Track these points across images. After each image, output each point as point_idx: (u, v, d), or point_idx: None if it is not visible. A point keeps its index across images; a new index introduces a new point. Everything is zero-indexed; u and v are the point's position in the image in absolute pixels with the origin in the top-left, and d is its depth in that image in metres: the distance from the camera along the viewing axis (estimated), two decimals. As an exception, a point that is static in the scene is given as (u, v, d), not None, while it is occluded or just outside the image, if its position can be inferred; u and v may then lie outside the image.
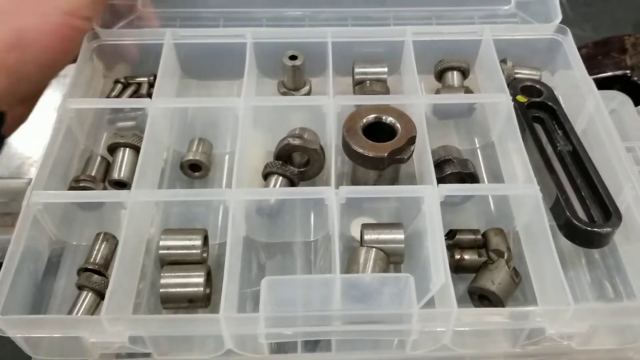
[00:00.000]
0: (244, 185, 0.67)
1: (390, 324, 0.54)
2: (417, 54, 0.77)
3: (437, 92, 0.78)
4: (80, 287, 0.61)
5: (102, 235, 0.65)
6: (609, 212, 0.64)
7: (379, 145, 0.65)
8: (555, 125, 0.75)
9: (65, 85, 0.72)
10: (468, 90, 0.77)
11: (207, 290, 0.62)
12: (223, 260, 0.65)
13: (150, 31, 0.78)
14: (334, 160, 0.66)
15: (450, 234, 0.65)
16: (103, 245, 0.64)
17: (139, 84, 0.82)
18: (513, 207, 0.65)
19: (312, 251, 0.69)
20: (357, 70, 0.79)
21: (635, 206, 0.62)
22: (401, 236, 0.63)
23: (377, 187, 0.65)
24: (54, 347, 0.58)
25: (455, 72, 0.80)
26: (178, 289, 0.60)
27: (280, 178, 0.69)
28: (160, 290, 0.60)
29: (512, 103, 0.70)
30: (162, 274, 0.61)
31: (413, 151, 0.66)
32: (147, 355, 0.58)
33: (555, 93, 0.78)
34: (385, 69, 0.79)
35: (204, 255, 0.64)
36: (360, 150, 0.64)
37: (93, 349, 0.56)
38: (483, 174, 0.74)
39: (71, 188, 0.68)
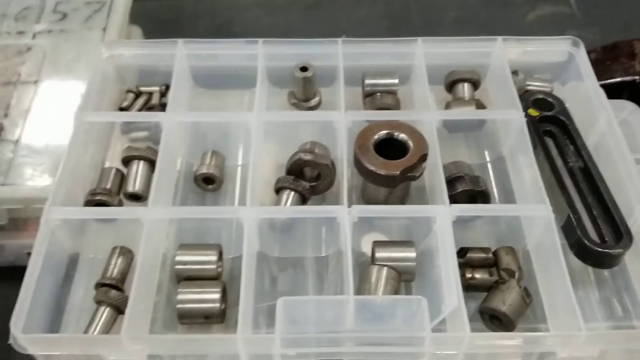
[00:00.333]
0: (256, 197, 0.68)
1: (402, 346, 0.55)
2: (427, 63, 0.77)
3: (448, 104, 0.78)
4: (99, 302, 0.62)
5: (118, 250, 0.66)
6: (620, 233, 0.64)
7: (391, 163, 0.65)
8: (567, 140, 0.75)
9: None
10: (479, 103, 0.78)
11: (223, 306, 0.63)
12: (236, 274, 0.67)
13: (162, 42, 0.79)
14: (346, 176, 0.66)
15: (461, 252, 0.66)
16: (119, 260, 0.65)
17: (151, 94, 0.82)
18: (524, 225, 0.66)
19: (323, 263, 0.70)
20: (367, 82, 0.80)
21: (646, 226, 0.63)
22: (413, 254, 0.64)
23: (390, 207, 0.66)
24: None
25: (466, 84, 0.80)
26: (195, 305, 0.62)
27: (292, 193, 0.69)
28: (177, 306, 0.61)
29: (525, 119, 0.70)
30: (178, 290, 0.62)
31: (425, 168, 0.67)
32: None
33: (567, 106, 0.79)
34: (396, 81, 0.80)
35: (219, 270, 0.65)
36: (372, 168, 0.65)
37: (112, 366, 0.57)
38: (494, 189, 0.74)
39: (87, 202, 0.69)
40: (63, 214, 0.62)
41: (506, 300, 0.61)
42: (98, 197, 0.68)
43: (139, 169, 0.72)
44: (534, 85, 0.80)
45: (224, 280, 0.65)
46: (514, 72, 0.79)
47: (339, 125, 0.70)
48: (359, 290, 0.62)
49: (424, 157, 0.66)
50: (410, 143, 0.67)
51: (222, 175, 0.73)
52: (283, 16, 1.32)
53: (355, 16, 1.32)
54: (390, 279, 0.62)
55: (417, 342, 0.54)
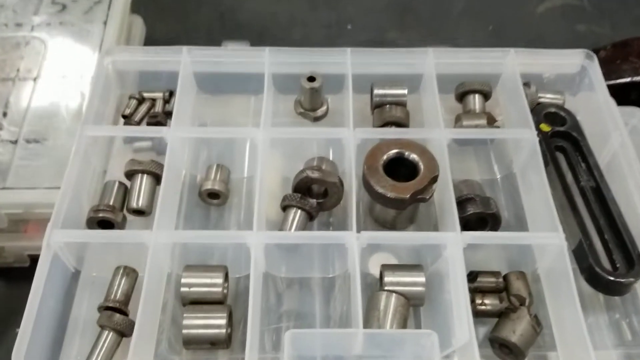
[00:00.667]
0: (262, 216, 0.67)
1: (412, 381, 0.55)
2: (438, 72, 0.75)
3: (458, 118, 0.77)
4: (102, 326, 0.62)
5: (121, 270, 0.65)
6: (632, 260, 0.64)
7: (401, 186, 0.64)
8: (579, 157, 0.74)
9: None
10: (490, 117, 0.76)
11: (229, 330, 0.62)
12: (242, 293, 0.67)
13: (166, 49, 0.76)
14: (354, 197, 0.65)
15: (471, 276, 0.65)
16: (123, 280, 0.64)
17: (154, 100, 0.80)
18: (536, 250, 0.65)
19: (329, 282, 0.69)
20: (376, 92, 0.78)
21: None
22: (422, 279, 0.63)
23: (400, 233, 0.65)
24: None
25: (477, 95, 0.78)
26: (200, 330, 0.61)
27: (299, 211, 0.68)
28: (183, 331, 0.61)
29: (538, 139, 0.69)
30: (184, 315, 0.61)
31: (435, 190, 0.66)
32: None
33: (578, 118, 0.77)
34: (405, 91, 0.78)
35: (225, 292, 0.64)
36: (382, 191, 0.64)
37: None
38: (504, 207, 0.73)
39: (90, 218, 0.67)
40: (66, 237, 0.61)
41: (517, 330, 0.61)
42: (101, 215, 0.67)
43: (142, 183, 0.70)
44: (546, 97, 0.79)
45: (229, 303, 0.64)
46: (526, 84, 0.77)
47: (348, 142, 0.69)
48: (366, 318, 0.61)
49: (434, 179, 0.65)
50: (421, 164, 0.66)
51: (227, 190, 0.72)
52: (288, 3, 1.28)
53: (361, 5, 1.29)
54: (399, 306, 0.61)
55: (427, 378, 0.54)
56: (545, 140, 0.73)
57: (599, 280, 0.63)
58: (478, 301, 0.64)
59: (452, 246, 0.61)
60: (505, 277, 0.65)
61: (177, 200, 0.71)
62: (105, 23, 1.00)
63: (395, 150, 0.67)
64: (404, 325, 0.61)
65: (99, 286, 0.66)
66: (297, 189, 0.69)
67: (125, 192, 0.71)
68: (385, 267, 0.64)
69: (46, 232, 0.61)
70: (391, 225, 0.71)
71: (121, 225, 0.68)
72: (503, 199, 0.74)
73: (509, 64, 0.77)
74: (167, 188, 0.65)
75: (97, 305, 0.64)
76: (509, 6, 1.29)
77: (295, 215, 0.68)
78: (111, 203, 0.69)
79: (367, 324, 0.60)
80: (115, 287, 0.64)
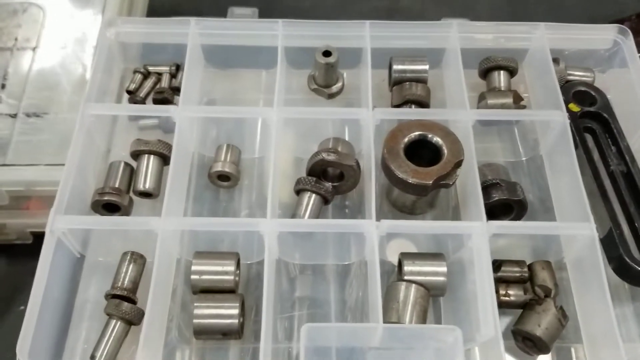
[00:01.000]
0: (276, 200, 0.64)
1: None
2: (461, 47, 0.71)
3: (482, 96, 0.73)
4: (110, 315, 0.59)
5: (129, 256, 0.62)
6: (664, 250, 0.61)
7: (423, 171, 0.60)
8: (609, 140, 0.70)
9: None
10: (517, 95, 0.72)
11: (241, 319, 0.59)
12: (253, 281, 0.64)
13: (172, 20, 0.72)
14: (374, 182, 0.61)
15: (494, 265, 0.62)
16: (131, 267, 0.61)
17: (160, 74, 0.76)
18: (563, 240, 0.62)
19: (344, 268, 0.66)
20: (395, 67, 0.73)
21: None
22: (444, 269, 0.60)
23: (422, 222, 0.62)
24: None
25: (502, 72, 0.74)
26: (212, 320, 0.58)
27: (314, 195, 0.65)
28: (194, 321, 0.58)
29: (568, 122, 0.65)
30: (195, 304, 0.59)
31: (459, 175, 0.62)
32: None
33: (609, 97, 0.73)
34: (427, 67, 0.74)
35: (237, 279, 0.61)
36: (403, 176, 0.60)
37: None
38: (529, 191, 0.69)
39: (96, 201, 0.64)
40: (70, 223, 0.58)
41: (542, 323, 0.58)
42: (107, 198, 0.64)
43: (149, 164, 0.67)
44: (575, 75, 0.74)
45: (241, 292, 0.61)
46: (555, 60, 0.73)
47: (366, 123, 0.65)
48: (384, 309, 0.58)
49: (459, 164, 0.61)
50: (445, 148, 0.62)
51: (237, 172, 0.68)
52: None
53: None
54: (419, 297, 0.58)
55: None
56: (574, 122, 0.69)
57: (628, 270, 0.60)
58: (502, 292, 0.61)
59: (478, 236, 0.58)
60: (530, 267, 0.62)
61: (185, 182, 0.68)
62: (107, -12, 0.95)
63: (417, 133, 0.63)
64: (424, 317, 0.58)
65: (105, 271, 0.63)
66: (311, 172, 0.66)
67: (131, 173, 0.68)
68: (404, 256, 0.61)
69: (49, 218, 0.58)
70: (410, 210, 0.68)
71: (127, 208, 0.65)
72: (528, 182, 0.71)
73: (538, 39, 0.72)
74: (176, 171, 0.62)
75: (103, 290, 0.62)
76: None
77: (310, 200, 0.65)
78: (117, 185, 0.65)
79: (385, 315, 0.57)
80: (123, 274, 0.61)
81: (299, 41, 0.73)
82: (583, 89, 0.72)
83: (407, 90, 0.72)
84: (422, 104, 0.72)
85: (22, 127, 0.84)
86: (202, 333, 0.58)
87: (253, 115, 0.67)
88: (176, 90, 0.74)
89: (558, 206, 0.66)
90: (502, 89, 0.73)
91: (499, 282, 0.61)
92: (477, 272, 0.57)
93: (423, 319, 0.58)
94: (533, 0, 1.17)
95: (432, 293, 0.60)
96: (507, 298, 0.61)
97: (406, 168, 0.61)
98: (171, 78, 0.76)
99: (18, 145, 0.83)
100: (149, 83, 0.75)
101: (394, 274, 0.63)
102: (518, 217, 0.65)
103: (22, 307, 0.57)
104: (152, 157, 0.67)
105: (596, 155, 0.70)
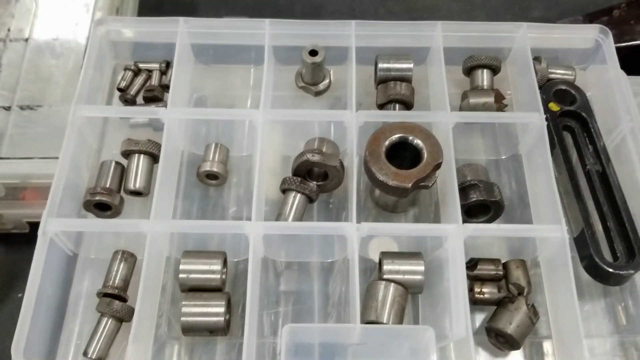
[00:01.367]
0: (262, 204, 0.66)
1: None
2: (446, 46, 0.72)
3: (465, 95, 0.74)
4: (101, 313, 0.62)
5: (120, 255, 0.64)
6: (633, 251, 0.63)
7: (403, 174, 0.63)
8: (586, 139, 0.72)
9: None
10: (498, 94, 0.73)
11: (227, 317, 0.62)
12: (241, 277, 0.67)
13: (162, 20, 0.73)
14: (355, 187, 0.64)
15: (471, 263, 0.64)
16: (122, 266, 0.64)
17: (150, 72, 0.77)
18: (537, 240, 0.64)
19: (328, 266, 0.69)
20: (380, 65, 0.75)
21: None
22: (421, 268, 0.63)
23: (400, 225, 0.64)
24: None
25: (485, 70, 0.75)
26: (199, 319, 0.61)
27: (299, 195, 0.67)
28: (182, 319, 0.61)
29: (545, 124, 0.67)
30: (182, 302, 0.61)
31: (438, 176, 0.64)
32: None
33: (589, 94, 0.75)
34: (411, 65, 0.75)
35: (223, 277, 0.64)
36: (383, 179, 0.62)
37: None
38: (508, 188, 0.72)
39: (87, 202, 0.66)
40: (61, 226, 0.60)
41: (513, 321, 0.61)
42: (98, 198, 0.66)
43: (139, 163, 0.69)
44: (557, 73, 0.76)
45: (227, 291, 0.64)
46: (536, 59, 0.74)
47: (350, 124, 0.67)
48: (364, 307, 0.61)
49: (437, 166, 0.63)
50: (425, 150, 0.64)
51: (225, 171, 0.70)
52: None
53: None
54: (397, 296, 0.61)
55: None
56: (554, 121, 0.70)
57: (598, 270, 0.62)
58: (477, 289, 0.63)
59: (453, 239, 0.60)
60: (505, 265, 0.65)
61: (175, 181, 0.70)
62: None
63: (398, 135, 0.65)
64: (401, 315, 0.61)
65: (97, 267, 0.66)
66: (296, 172, 0.68)
67: (122, 172, 0.70)
68: (384, 255, 0.63)
69: (41, 220, 0.60)
70: (392, 209, 0.70)
71: (119, 207, 0.67)
72: (508, 179, 0.73)
73: (520, 39, 0.73)
74: (164, 171, 0.64)
75: (96, 287, 0.64)
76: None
77: (295, 199, 0.67)
78: (108, 185, 0.67)
79: (364, 313, 0.61)
80: (114, 273, 0.63)
81: (286, 40, 0.74)
82: (564, 87, 0.74)
83: (392, 89, 0.73)
84: (406, 103, 0.73)
85: (16, 120, 0.86)
86: (190, 331, 0.61)
87: (240, 118, 0.68)
88: (166, 87, 0.76)
89: (534, 204, 0.69)
90: (485, 87, 0.75)
91: (475, 280, 0.64)
92: (451, 273, 0.59)
93: (401, 317, 0.61)
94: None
95: (410, 291, 0.63)
96: (481, 296, 0.63)
97: (387, 171, 0.63)
98: (161, 75, 0.77)
99: (13, 139, 0.84)
100: (139, 80, 0.76)
101: (376, 271, 0.66)
102: (495, 216, 0.67)
103: (20, 295, 0.59)
104: (142, 156, 0.69)
105: (575, 154, 0.72)
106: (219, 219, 0.70)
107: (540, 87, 0.73)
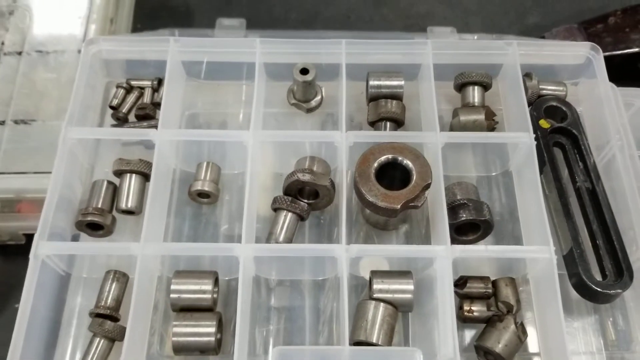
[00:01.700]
0: (252, 227, 0.67)
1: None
2: (436, 62, 0.73)
3: (455, 112, 0.74)
4: (94, 333, 0.62)
5: (111, 275, 0.65)
6: (622, 269, 0.64)
7: (392, 195, 0.63)
8: (577, 156, 0.72)
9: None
10: (489, 112, 0.73)
11: (218, 336, 0.63)
12: (233, 295, 0.67)
13: (152, 38, 0.73)
14: (345, 208, 0.64)
15: (460, 281, 0.65)
16: (114, 286, 0.64)
17: (142, 89, 0.78)
18: (527, 259, 0.65)
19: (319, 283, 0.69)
20: (371, 82, 0.75)
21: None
22: (410, 287, 0.63)
23: (388, 246, 0.65)
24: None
25: (476, 87, 0.75)
26: (190, 339, 0.62)
27: (290, 214, 0.67)
28: (173, 339, 0.62)
29: (535, 143, 0.67)
30: (173, 322, 0.62)
31: (427, 196, 0.65)
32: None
33: (579, 110, 0.75)
34: (402, 82, 0.75)
35: (215, 297, 0.64)
36: (372, 200, 0.63)
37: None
38: (499, 204, 0.72)
39: (79, 222, 0.67)
40: (53, 249, 0.61)
41: (502, 339, 0.61)
42: (90, 218, 0.66)
43: (131, 183, 0.69)
44: (547, 89, 0.76)
45: (219, 310, 0.65)
46: (527, 75, 0.75)
47: (340, 145, 0.67)
48: (354, 326, 0.62)
49: (427, 187, 0.64)
50: (414, 171, 0.64)
51: (217, 190, 0.71)
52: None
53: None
54: (387, 316, 0.61)
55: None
56: (544, 138, 0.71)
57: (586, 289, 0.63)
58: (466, 307, 0.64)
59: (442, 259, 0.60)
60: (494, 283, 0.65)
61: (166, 199, 0.71)
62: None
63: (388, 156, 0.65)
64: (391, 335, 0.62)
65: (90, 286, 0.67)
66: (287, 191, 0.68)
67: (114, 191, 0.70)
68: (374, 274, 0.64)
69: (33, 243, 0.61)
70: (383, 227, 0.70)
71: (110, 227, 0.68)
72: (499, 195, 0.73)
73: (510, 56, 0.74)
74: (155, 191, 0.65)
75: (89, 305, 0.65)
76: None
77: (286, 218, 0.67)
78: (100, 205, 0.68)
79: (354, 333, 0.61)
80: (106, 293, 0.64)
81: (277, 57, 0.74)
82: (554, 104, 0.74)
83: (383, 107, 0.74)
84: (397, 120, 0.74)
85: (10, 135, 0.86)
86: (181, 350, 0.62)
87: (230, 139, 0.69)
88: (158, 105, 0.76)
89: (524, 221, 0.69)
90: (476, 104, 0.75)
91: (464, 297, 0.65)
92: (439, 294, 0.60)
93: (390, 337, 0.61)
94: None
95: (400, 309, 0.63)
96: (470, 314, 0.64)
97: (376, 192, 0.63)
98: (153, 92, 0.77)
99: (7, 153, 0.85)
100: (131, 98, 0.77)
101: (367, 288, 0.67)
102: (485, 235, 0.68)
103: (17, 305, 0.60)
104: (133, 175, 0.69)
105: (566, 171, 0.72)
106: (211, 236, 0.71)
107: (531, 104, 0.73)
